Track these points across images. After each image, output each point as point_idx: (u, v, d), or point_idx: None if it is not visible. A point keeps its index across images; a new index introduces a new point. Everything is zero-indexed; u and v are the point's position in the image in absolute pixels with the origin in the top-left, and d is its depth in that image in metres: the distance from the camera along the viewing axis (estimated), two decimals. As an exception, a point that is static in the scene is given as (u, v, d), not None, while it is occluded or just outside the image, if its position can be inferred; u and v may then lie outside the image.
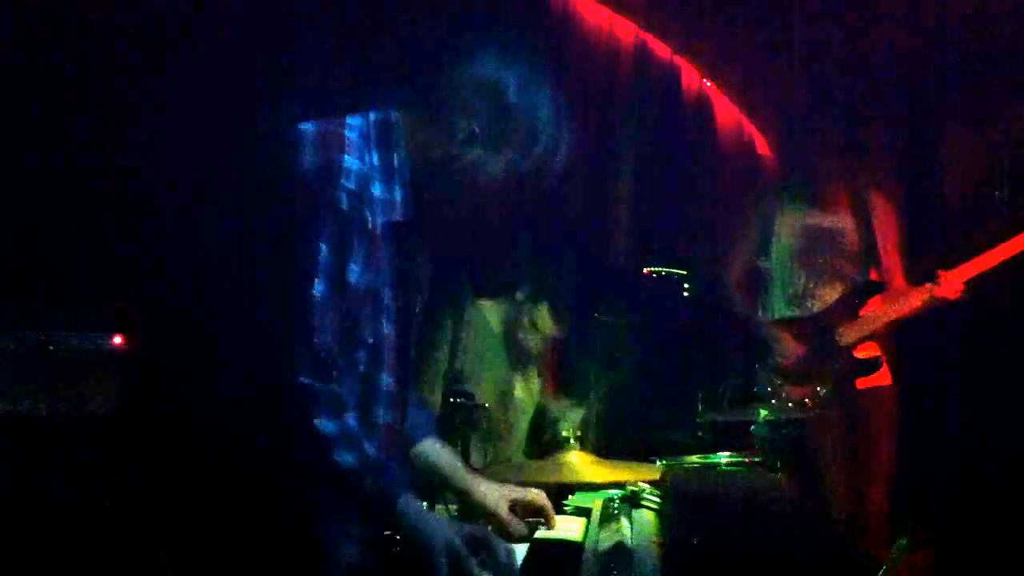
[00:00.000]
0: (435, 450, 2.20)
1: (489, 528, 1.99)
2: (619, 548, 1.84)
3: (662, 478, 2.48)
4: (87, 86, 3.28)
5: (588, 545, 1.96)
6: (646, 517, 2.13)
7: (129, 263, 3.20)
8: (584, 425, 3.66)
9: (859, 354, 3.82)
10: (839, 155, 3.94)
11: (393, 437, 1.98)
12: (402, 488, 1.81)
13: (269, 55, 3.59)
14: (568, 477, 2.73)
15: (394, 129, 1.94)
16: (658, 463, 2.86)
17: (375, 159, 1.90)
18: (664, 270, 4.18)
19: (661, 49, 5.77)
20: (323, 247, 1.76)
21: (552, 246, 4.26)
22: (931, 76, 4.93)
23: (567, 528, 2.17)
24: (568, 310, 3.81)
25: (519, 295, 3.81)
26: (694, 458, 3.00)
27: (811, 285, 3.91)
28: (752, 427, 3.29)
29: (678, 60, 5.90)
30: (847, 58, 5.04)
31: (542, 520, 2.17)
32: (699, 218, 5.73)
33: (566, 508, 2.36)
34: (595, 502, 2.31)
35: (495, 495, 2.15)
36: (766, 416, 3.30)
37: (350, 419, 1.79)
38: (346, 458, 1.74)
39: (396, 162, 1.92)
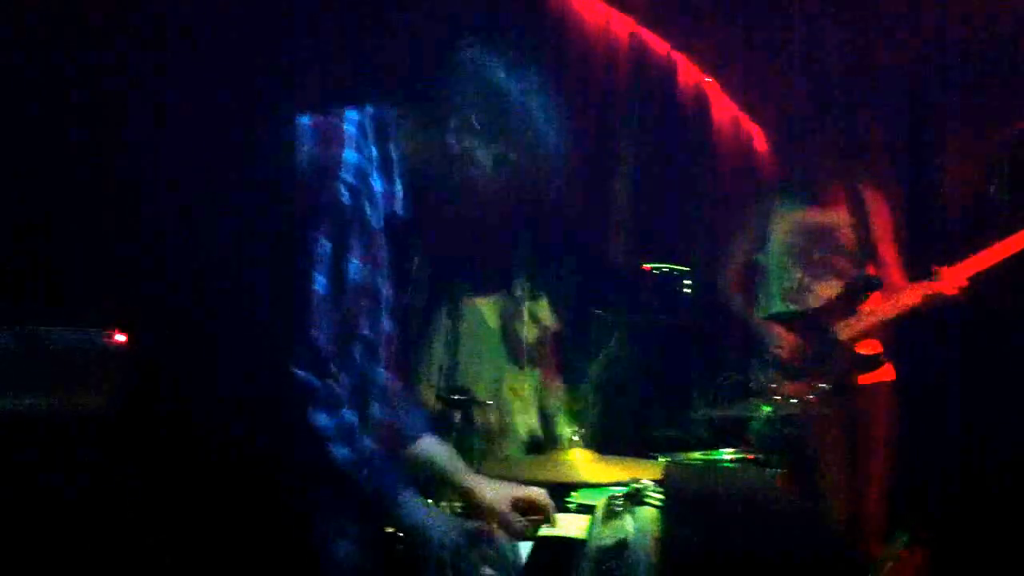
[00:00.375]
0: (434, 447, 2.20)
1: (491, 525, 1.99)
2: (621, 545, 1.84)
3: (664, 475, 2.47)
4: (86, 82, 3.27)
5: (591, 542, 1.95)
6: (649, 515, 2.12)
7: (128, 258, 3.19)
8: (585, 422, 3.65)
9: (860, 350, 3.82)
10: (838, 152, 3.93)
11: (389, 433, 1.97)
12: (401, 483, 1.80)
13: (268, 50, 3.58)
14: (569, 475, 2.72)
15: (391, 123, 1.93)
16: (660, 460, 2.85)
17: (373, 153, 1.89)
18: (664, 266, 4.17)
19: (659, 45, 5.77)
20: (323, 241, 1.76)
21: (550, 243, 4.26)
22: (931, 73, 4.93)
23: (570, 526, 2.16)
24: (567, 304, 3.80)
25: (517, 290, 3.81)
26: (696, 455, 3.00)
27: (809, 282, 3.90)
28: (753, 423, 3.28)
29: (676, 56, 5.90)
30: (846, 55, 5.05)
31: (543, 518, 2.16)
32: (698, 215, 5.73)
33: (568, 506, 2.35)
34: (598, 500, 2.30)
35: (496, 493, 2.15)
36: (767, 412, 3.29)
37: (348, 414, 1.78)
38: (344, 453, 1.73)
39: (394, 156, 1.91)
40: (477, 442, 3.42)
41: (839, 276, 3.89)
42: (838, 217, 3.91)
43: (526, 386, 3.90)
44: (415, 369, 3.70)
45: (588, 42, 5.28)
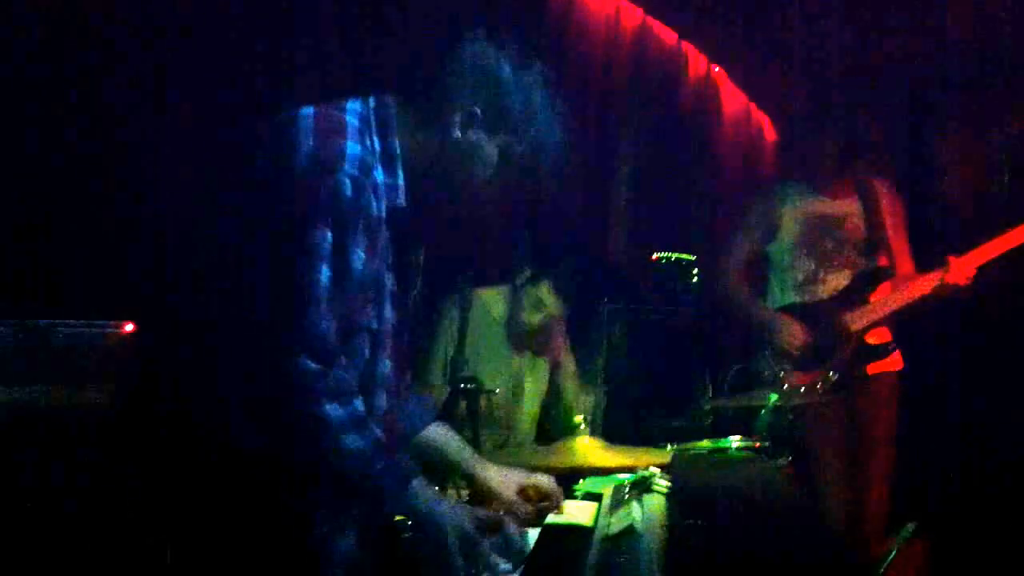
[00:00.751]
0: (441, 436, 2.20)
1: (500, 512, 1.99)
2: (629, 533, 1.84)
3: (673, 463, 2.48)
4: (89, 76, 3.27)
5: (598, 530, 1.95)
6: (656, 502, 2.12)
7: (132, 252, 3.20)
8: (593, 410, 3.65)
9: (870, 339, 3.81)
10: (846, 142, 3.92)
11: (395, 423, 1.97)
12: (412, 471, 1.80)
13: (271, 43, 3.58)
14: (577, 462, 2.73)
15: (394, 116, 1.93)
16: (669, 448, 2.86)
17: (376, 145, 1.89)
18: (672, 255, 4.17)
19: (668, 35, 5.74)
20: (328, 233, 1.76)
21: (555, 233, 4.25)
22: (939, 62, 4.91)
23: (577, 513, 2.17)
24: (572, 288, 3.79)
25: (520, 278, 3.80)
26: (704, 443, 3.00)
27: (818, 271, 3.90)
28: (762, 412, 3.28)
29: (685, 46, 5.87)
30: (854, 45, 5.03)
31: (550, 505, 2.16)
32: (707, 205, 5.71)
33: (576, 493, 2.35)
34: (605, 487, 2.30)
35: (503, 480, 2.15)
36: (776, 401, 3.29)
37: (358, 403, 1.78)
38: (356, 442, 1.74)
39: (397, 149, 1.91)
40: (484, 430, 3.41)
41: (849, 267, 3.88)
42: (847, 208, 3.91)
43: (533, 374, 3.90)
44: (421, 359, 3.70)
45: (596, 32, 5.26)
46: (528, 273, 3.81)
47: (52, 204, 3.18)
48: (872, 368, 3.82)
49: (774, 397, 3.29)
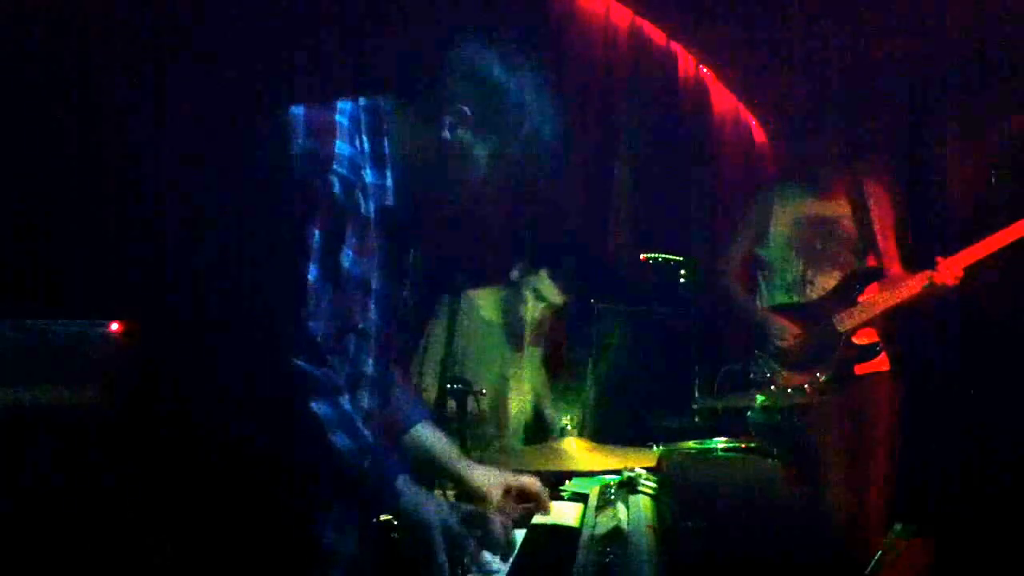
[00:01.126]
0: (429, 435, 2.20)
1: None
2: (615, 533, 1.84)
3: (659, 464, 2.48)
4: (83, 78, 3.26)
5: (584, 530, 1.95)
6: (643, 503, 2.12)
7: (125, 251, 3.19)
8: (581, 411, 3.65)
9: (858, 340, 3.82)
10: (837, 143, 3.93)
11: (380, 423, 1.97)
12: (399, 469, 1.80)
13: (262, 43, 3.57)
14: (565, 463, 2.73)
15: (384, 115, 1.93)
16: (655, 449, 2.85)
17: (366, 145, 1.89)
18: (661, 256, 4.17)
19: (658, 36, 5.75)
20: (316, 232, 1.75)
21: (547, 233, 4.25)
22: (929, 65, 4.92)
23: (564, 513, 2.17)
24: (568, 281, 3.79)
25: (514, 274, 3.80)
26: (691, 444, 2.99)
27: (809, 272, 3.91)
28: (749, 413, 3.29)
29: (675, 47, 5.88)
30: (846, 47, 5.04)
31: (537, 506, 2.16)
32: (697, 205, 5.73)
33: (563, 494, 2.35)
34: (592, 488, 2.30)
35: (489, 481, 2.15)
36: (763, 402, 3.29)
37: (345, 402, 1.78)
38: (343, 440, 1.73)
39: (387, 148, 1.90)
40: (472, 431, 3.41)
41: (838, 267, 3.89)
42: (838, 209, 3.92)
43: (523, 375, 3.90)
44: (412, 360, 3.70)
45: (587, 33, 5.27)
46: (522, 268, 3.80)
47: (47, 204, 3.18)
48: (860, 369, 3.82)
49: (762, 398, 3.29)
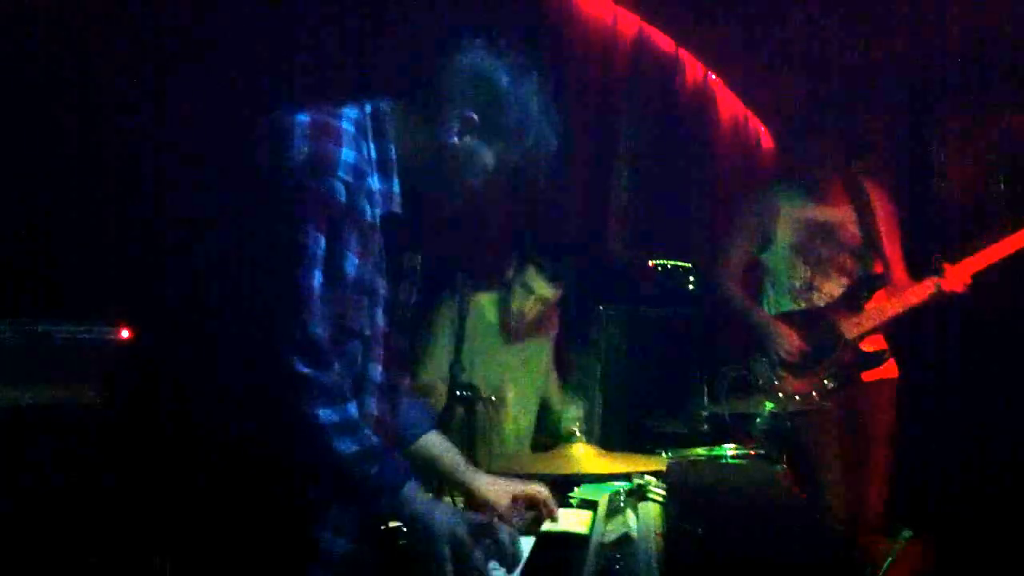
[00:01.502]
0: (436, 444, 2.20)
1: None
2: (625, 540, 1.84)
3: (668, 471, 2.47)
4: (85, 80, 3.27)
5: (594, 537, 1.95)
6: (652, 510, 2.12)
7: (128, 254, 3.19)
8: (587, 417, 3.64)
9: (865, 347, 3.81)
10: (841, 148, 3.92)
11: (384, 429, 1.97)
12: (407, 476, 1.80)
13: (267, 47, 3.58)
14: (573, 469, 2.72)
15: (389, 120, 1.93)
16: (664, 455, 2.85)
17: (371, 150, 1.89)
18: (669, 262, 4.17)
19: (665, 42, 5.76)
20: (321, 237, 1.76)
21: (553, 237, 4.25)
22: (933, 69, 4.92)
23: (573, 521, 2.16)
24: (557, 269, 3.77)
25: (510, 272, 3.78)
26: (699, 450, 2.99)
27: (814, 278, 3.90)
28: (757, 420, 3.28)
29: (682, 53, 5.89)
30: (849, 52, 5.04)
31: (545, 514, 2.16)
32: (703, 211, 5.72)
33: (571, 501, 2.35)
34: (601, 495, 2.30)
35: (496, 489, 2.15)
36: (771, 409, 3.29)
37: (351, 408, 1.78)
38: (349, 446, 1.73)
39: (391, 153, 1.91)
40: (479, 438, 3.41)
41: (844, 274, 3.89)
42: (842, 214, 3.91)
43: (528, 381, 3.89)
44: (416, 365, 3.69)
45: (593, 39, 5.27)
46: (516, 260, 3.78)
47: (48, 206, 3.18)
48: (867, 375, 3.82)
49: (770, 404, 3.28)
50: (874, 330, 3.82)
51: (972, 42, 4.70)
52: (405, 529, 1.85)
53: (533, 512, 2.15)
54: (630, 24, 5.48)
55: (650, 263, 4.21)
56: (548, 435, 3.85)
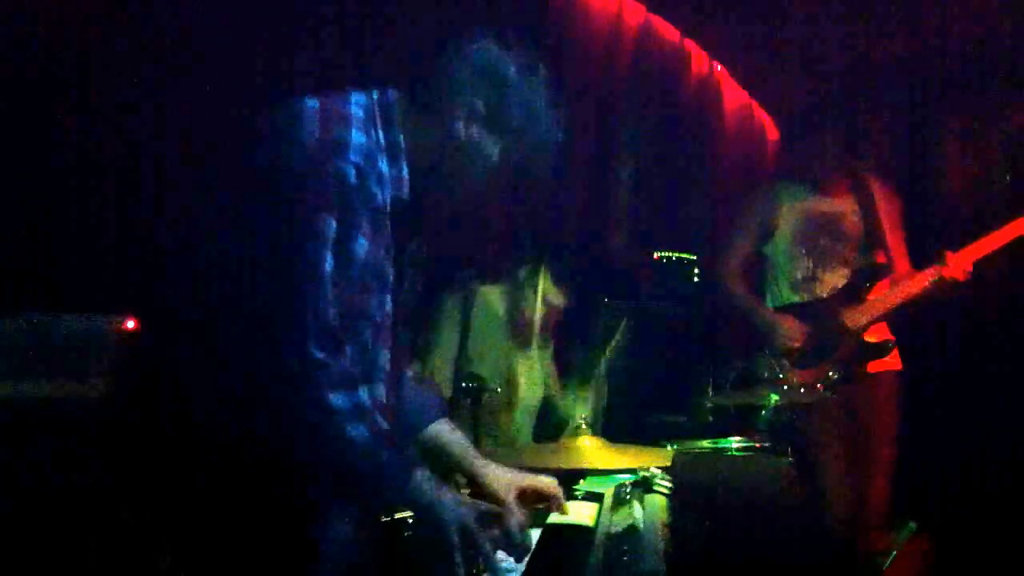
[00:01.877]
0: (446, 433, 2.19)
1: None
2: (630, 532, 1.84)
3: (673, 463, 2.48)
4: (94, 67, 3.27)
5: (600, 529, 1.96)
6: (658, 502, 2.13)
7: (136, 241, 3.19)
8: (593, 409, 3.65)
9: (869, 337, 3.81)
10: (843, 140, 3.92)
11: (395, 415, 1.97)
12: (416, 463, 1.81)
13: (277, 32, 3.58)
14: (578, 462, 2.73)
15: (396, 108, 1.94)
16: (670, 448, 2.86)
17: (381, 136, 1.90)
18: (674, 254, 4.17)
19: (670, 32, 5.74)
20: (332, 220, 1.76)
21: (554, 231, 4.25)
22: (937, 61, 4.91)
23: (579, 513, 2.17)
24: (572, 278, 3.79)
25: (521, 272, 3.80)
26: (705, 443, 3.00)
27: (816, 270, 3.90)
28: (762, 412, 3.29)
29: (687, 44, 5.88)
30: (852, 45, 5.04)
31: (552, 506, 2.16)
32: (709, 203, 5.72)
33: (576, 493, 2.36)
34: (606, 487, 2.31)
35: (505, 481, 2.13)
36: (776, 400, 3.30)
37: (362, 393, 1.78)
38: (360, 432, 1.74)
39: (400, 141, 1.91)
40: (485, 428, 3.42)
41: (846, 265, 3.88)
42: (844, 206, 3.91)
43: (533, 373, 3.90)
44: (423, 355, 3.71)
45: (599, 29, 5.26)
46: (528, 265, 3.80)
47: (62, 192, 3.18)
48: (872, 366, 3.82)
49: (775, 396, 3.29)
50: (877, 320, 3.82)
51: (972, 42, 4.69)
52: (412, 519, 1.85)
53: (543, 504, 2.16)
54: (635, 13, 5.47)
55: (655, 255, 4.22)
56: (551, 428, 3.86)
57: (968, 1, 4.65)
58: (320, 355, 1.72)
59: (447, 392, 3.37)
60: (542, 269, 3.77)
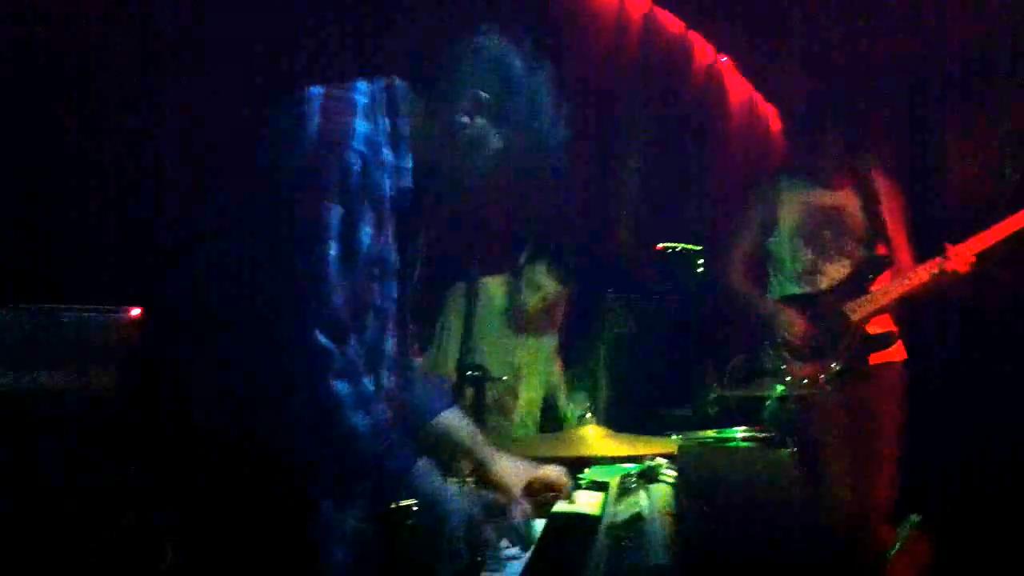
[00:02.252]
0: (456, 422, 2.20)
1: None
2: (635, 522, 1.85)
3: (678, 453, 2.49)
4: (100, 55, 3.28)
5: (605, 518, 1.97)
6: (663, 492, 2.13)
7: (143, 231, 3.20)
8: (598, 400, 3.66)
9: (872, 329, 3.81)
10: (845, 133, 3.91)
11: (399, 403, 1.98)
12: (419, 452, 1.81)
13: (282, 22, 3.58)
14: (584, 451, 2.74)
15: (402, 97, 1.94)
16: (674, 438, 2.87)
17: (385, 124, 1.90)
18: (678, 245, 4.17)
19: (674, 24, 5.74)
20: (337, 208, 1.77)
21: (556, 223, 4.25)
22: (941, 54, 4.90)
23: (585, 502, 2.18)
24: (570, 269, 3.79)
25: (525, 263, 3.80)
26: (709, 433, 3.01)
27: (818, 262, 3.90)
28: (767, 403, 3.29)
29: (692, 36, 5.87)
30: (856, 38, 5.03)
31: (560, 496, 2.17)
32: (713, 195, 5.71)
33: (580, 482, 2.37)
34: (610, 477, 2.32)
35: (514, 470, 2.14)
36: (780, 392, 3.30)
37: (366, 382, 1.79)
38: (364, 420, 1.74)
39: (404, 131, 1.92)
40: (490, 419, 3.43)
41: (849, 257, 3.88)
42: (846, 198, 3.91)
43: (536, 362, 3.91)
44: (428, 346, 3.71)
45: (603, 21, 5.26)
46: (527, 255, 3.81)
47: (61, 183, 3.19)
48: (875, 358, 3.82)
49: (780, 388, 3.29)
50: (879, 312, 3.82)
51: (976, 32, 4.68)
52: (416, 507, 1.86)
53: (550, 494, 2.16)
54: (639, 5, 5.46)
55: (659, 246, 4.22)
56: (556, 419, 3.88)
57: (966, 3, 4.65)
58: (327, 342, 1.73)
59: (451, 381, 3.38)
60: (547, 261, 3.78)
